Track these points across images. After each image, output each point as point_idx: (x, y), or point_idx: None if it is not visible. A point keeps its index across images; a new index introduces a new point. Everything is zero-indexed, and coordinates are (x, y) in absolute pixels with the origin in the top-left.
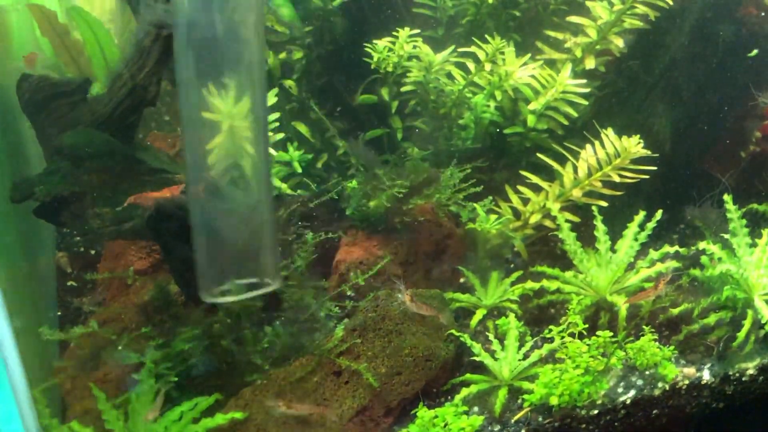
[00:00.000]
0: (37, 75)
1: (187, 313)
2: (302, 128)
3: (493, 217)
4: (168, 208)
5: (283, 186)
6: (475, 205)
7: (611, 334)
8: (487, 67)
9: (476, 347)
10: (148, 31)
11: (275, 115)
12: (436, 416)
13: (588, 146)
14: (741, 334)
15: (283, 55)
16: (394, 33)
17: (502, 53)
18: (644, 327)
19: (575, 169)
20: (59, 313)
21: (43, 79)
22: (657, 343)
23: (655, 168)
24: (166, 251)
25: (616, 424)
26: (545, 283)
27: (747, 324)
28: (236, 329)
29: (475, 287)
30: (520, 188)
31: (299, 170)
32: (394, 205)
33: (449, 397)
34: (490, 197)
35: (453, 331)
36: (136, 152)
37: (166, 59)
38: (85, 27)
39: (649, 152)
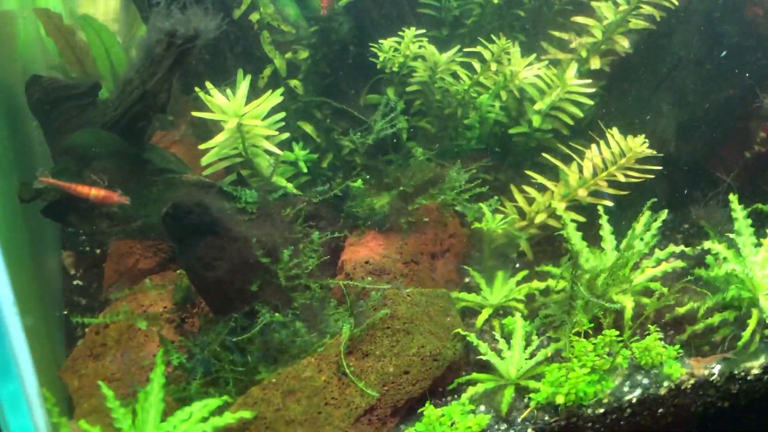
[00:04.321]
0: (47, 77)
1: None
2: (307, 128)
3: (498, 216)
4: (185, 207)
5: (289, 186)
6: (480, 204)
7: (617, 333)
8: (493, 67)
9: (483, 346)
10: (160, 39)
11: (281, 115)
12: (443, 415)
13: (593, 146)
14: (746, 333)
15: (288, 55)
16: (400, 33)
17: (508, 53)
18: (650, 326)
19: (580, 168)
20: (65, 312)
21: (53, 81)
22: (662, 342)
23: (660, 168)
24: (181, 250)
25: (621, 422)
26: (551, 282)
27: (752, 323)
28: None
29: (480, 287)
30: (525, 188)
31: (305, 170)
32: (399, 205)
33: (456, 396)
34: (496, 197)
35: (459, 330)
36: (144, 152)
37: (178, 67)
38: (90, 31)
39: (654, 152)
